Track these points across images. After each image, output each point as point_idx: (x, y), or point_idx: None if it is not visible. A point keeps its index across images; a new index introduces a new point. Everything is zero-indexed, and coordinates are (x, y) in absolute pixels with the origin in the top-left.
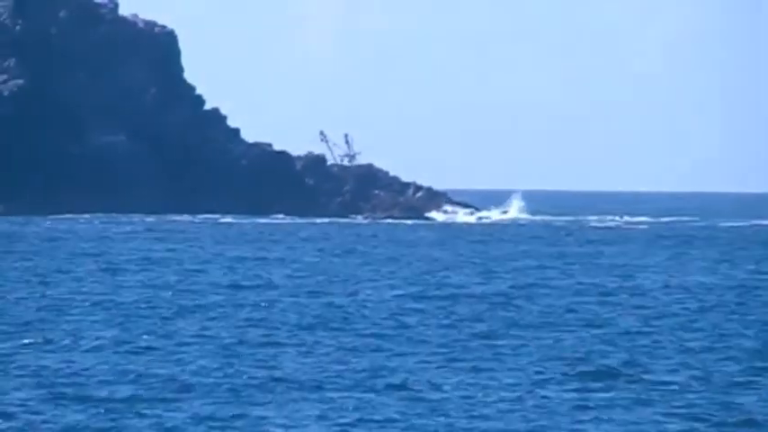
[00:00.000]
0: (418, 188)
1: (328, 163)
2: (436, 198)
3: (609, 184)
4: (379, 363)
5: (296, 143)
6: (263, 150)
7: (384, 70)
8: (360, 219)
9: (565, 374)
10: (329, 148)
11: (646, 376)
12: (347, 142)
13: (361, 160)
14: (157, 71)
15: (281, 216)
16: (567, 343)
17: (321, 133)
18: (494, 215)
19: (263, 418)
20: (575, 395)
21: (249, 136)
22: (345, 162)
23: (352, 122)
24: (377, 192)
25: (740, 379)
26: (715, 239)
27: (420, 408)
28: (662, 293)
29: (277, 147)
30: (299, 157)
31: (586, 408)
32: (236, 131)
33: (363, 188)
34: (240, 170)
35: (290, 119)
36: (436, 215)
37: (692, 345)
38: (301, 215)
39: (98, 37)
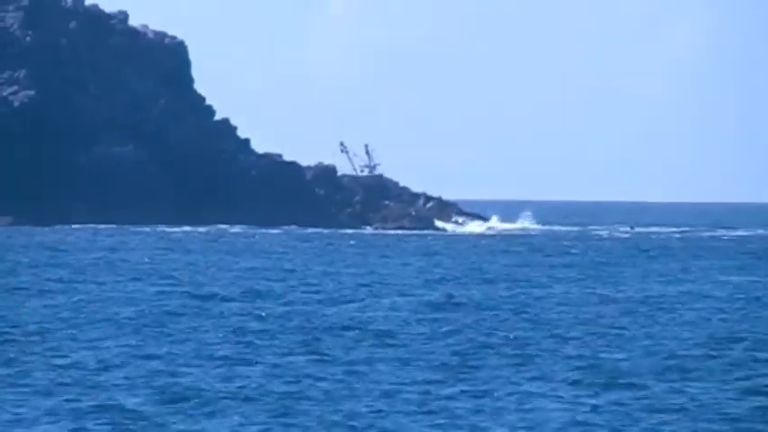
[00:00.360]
0: (428, 199)
1: (340, 173)
2: (446, 209)
3: (614, 194)
4: (389, 372)
5: (307, 153)
6: (272, 161)
7: (395, 78)
8: (369, 229)
9: (575, 383)
10: (349, 159)
11: (655, 387)
12: (367, 153)
13: (381, 171)
14: (167, 82)
15: (293, 227)
16: (575, 352)
17: (341, 144)
18: (503, 226)
19: (269, 428)
20: (586, 406)
21: (261, 147)
22: (365, 173)
23: (365, 132)
24: (387, 202)
25: (748, 384)
26: (725, 249)
27: (433, 420)
28: (676, 303)
29: (289, 157)
30: (308, 168)
31: (595, 417)
32: (246, 142)
33: (373, 199)
34: (250, 181)
35: (302, 128)
36: (446, 225)
37: (698, 352)
38: (311, 226)
39: (108, 48)
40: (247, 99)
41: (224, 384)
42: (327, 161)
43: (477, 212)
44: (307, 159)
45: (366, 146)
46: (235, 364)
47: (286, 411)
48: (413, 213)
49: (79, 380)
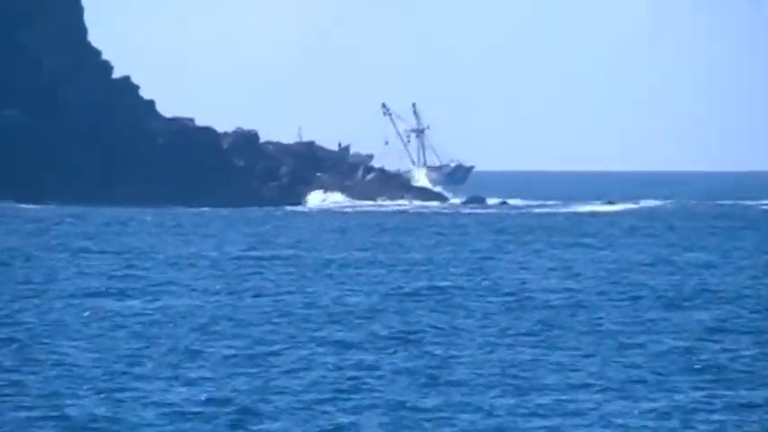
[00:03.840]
0: (369, 170)
1: (385, 142)
2: (391, 181)
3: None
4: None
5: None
6: (183, 126)
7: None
8: (303, 208)
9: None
10: (392, 122)
11: None
12: (415, 113)
13: (432, 136)
14: (57, 33)
15: (205, 209)
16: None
17: (383, 106)
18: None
19: None
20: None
21: (169, 110)
22: (413, 137)
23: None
24: (319, 174)
25: None
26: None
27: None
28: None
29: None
30: (226, 134)
31: None
32: (151, 104)
33: (304, 170)
34: (156, 150)
35: (219, 92)
36: (391, 202)
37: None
38: (229, 204)
39: None
40: (153, 56)
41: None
42: (378, 127)
43: (431, 189)
44: (225, 125)
45: (413, 105)
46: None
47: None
48: (349, 184)
49: None
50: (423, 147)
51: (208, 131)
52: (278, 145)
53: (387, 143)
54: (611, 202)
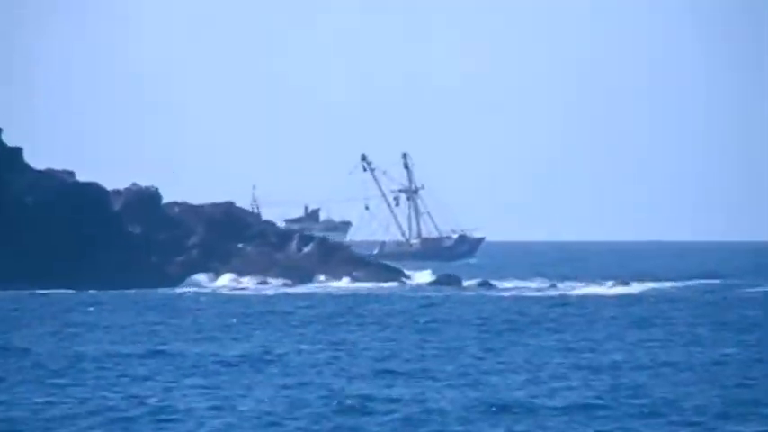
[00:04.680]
0: (305, 240)
1: (368, 205)
2: (335, 253)
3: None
4: None
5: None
6: (59, 181)
7: None
8: (212, 285)
9: None
10: (375, 180)
11: None
12: (406, 167)
13: (426, 198)
14: None
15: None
16: None
17: (363, 158)
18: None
19: None
20: None
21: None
22: (402, 200)
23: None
24: (241, 246)
25: None
26: None
27: None
28: None
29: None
30: (117, 192)
31: None
32: (17, 152)
33: (220, 240)
34: (23, 213)
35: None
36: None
37: None
38: (121, 286)
39: None
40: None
41: None
42: (342, 183)
43: (388, 265)
44: (117, 181)
45: (404, 157)
46: None
47: None
48: (280, 258)
49: None
50: (416, 212)
51: (93, 188)
52: (185, 206)
53: (367, 208)
54: (625, 283)
